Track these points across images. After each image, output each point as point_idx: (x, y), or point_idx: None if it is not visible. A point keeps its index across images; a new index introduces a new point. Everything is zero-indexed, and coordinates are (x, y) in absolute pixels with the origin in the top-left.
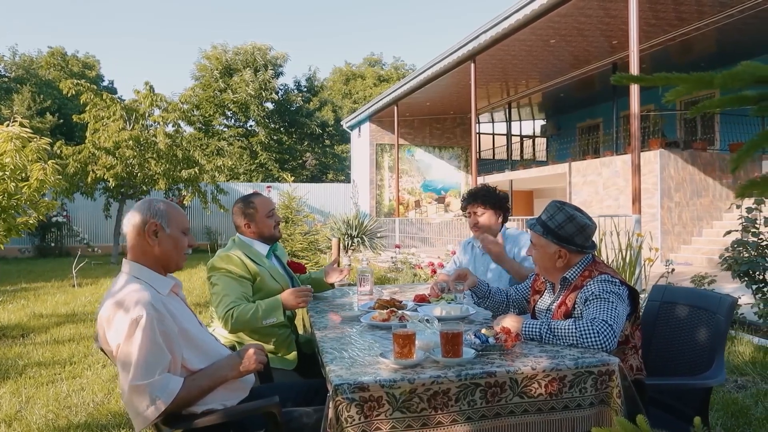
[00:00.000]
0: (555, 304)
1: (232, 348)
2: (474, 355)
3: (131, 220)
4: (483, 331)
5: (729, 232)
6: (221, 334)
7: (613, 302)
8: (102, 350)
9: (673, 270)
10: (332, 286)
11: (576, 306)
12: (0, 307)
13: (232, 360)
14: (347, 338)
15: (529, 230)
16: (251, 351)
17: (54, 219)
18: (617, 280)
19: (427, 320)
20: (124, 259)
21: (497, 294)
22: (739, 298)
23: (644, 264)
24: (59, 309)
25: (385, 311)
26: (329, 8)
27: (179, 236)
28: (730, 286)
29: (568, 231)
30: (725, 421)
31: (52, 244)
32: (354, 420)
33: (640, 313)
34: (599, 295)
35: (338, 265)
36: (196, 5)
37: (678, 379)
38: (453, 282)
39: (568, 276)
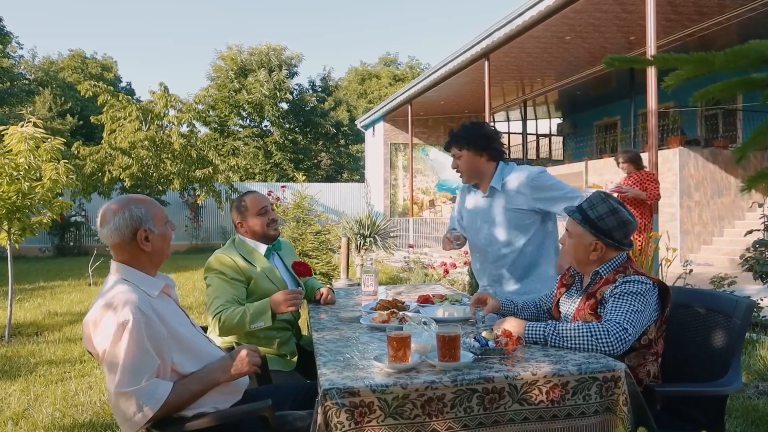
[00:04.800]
0: (581, 297)
1: (231, 350)
2: (472, 359)
3: (116, 233)
4: (483, 334)
5: (750, 232)
6: (221, 336)
7: (635, 305)
8: (89, 352)
9: (691, 271)
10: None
11: (605, 299)
12: (17, 305)
13: (224, 363)
14: (345, 340)
15: (567, 217)
16: (243, 353)
17: (73, 219)
18: (650, 282)
19: (425, 322)
20: (112, 261)
21: (525, 309)
22: (761, 300)
23: (661, 264)
24: (74, 307)
25: (385, 312)
26: (344, 7)
27: (165, 230)
28: (752, 287)
29: (608, 224)
30: (745, 428)
31: (71, 244)
32: (344, 426)
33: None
34: (624, 295)
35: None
36: (210, 5)
37: (691, 385)
38: (473, 307)
39: (600, 270)
